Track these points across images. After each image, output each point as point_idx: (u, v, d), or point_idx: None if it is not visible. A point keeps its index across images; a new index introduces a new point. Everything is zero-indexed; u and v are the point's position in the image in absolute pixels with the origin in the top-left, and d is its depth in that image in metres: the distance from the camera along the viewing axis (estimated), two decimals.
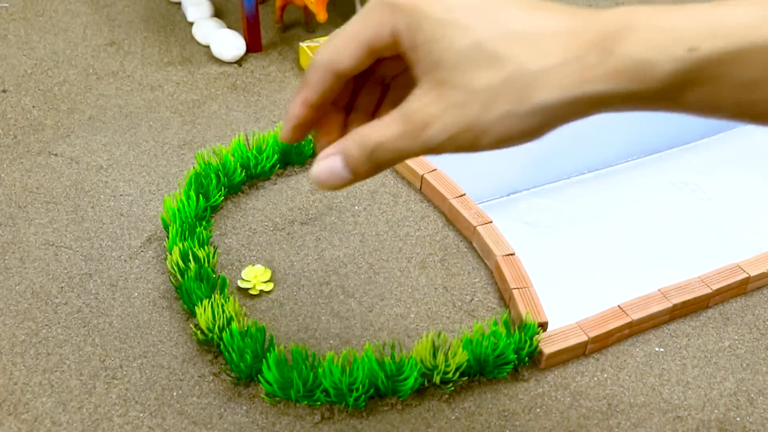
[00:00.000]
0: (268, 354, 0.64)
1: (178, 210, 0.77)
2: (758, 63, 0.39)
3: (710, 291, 0.73)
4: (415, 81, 0.44)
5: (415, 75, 0.44)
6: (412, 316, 0.72)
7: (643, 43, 0.40)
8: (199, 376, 0.66)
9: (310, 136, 0.51)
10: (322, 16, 1.01)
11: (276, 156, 0.86)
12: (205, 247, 0.74)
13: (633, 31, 0.40)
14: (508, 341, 0.65)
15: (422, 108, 0.43)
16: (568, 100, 0.42)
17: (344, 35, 0.45)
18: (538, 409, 0.65)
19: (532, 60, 0.41)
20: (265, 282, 0.74)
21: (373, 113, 0.50)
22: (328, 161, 0.45)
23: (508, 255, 0.75)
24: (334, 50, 0.45)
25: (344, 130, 0.49)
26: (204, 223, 0.78)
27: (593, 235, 0.87)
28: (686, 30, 0.40)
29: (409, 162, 0.86)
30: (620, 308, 0.71)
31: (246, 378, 0.65)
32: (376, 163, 0.45)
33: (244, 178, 0.84)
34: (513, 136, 0.43)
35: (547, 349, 0.67)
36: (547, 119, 0.43)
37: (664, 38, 0.40)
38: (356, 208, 0.84)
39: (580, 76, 0.41)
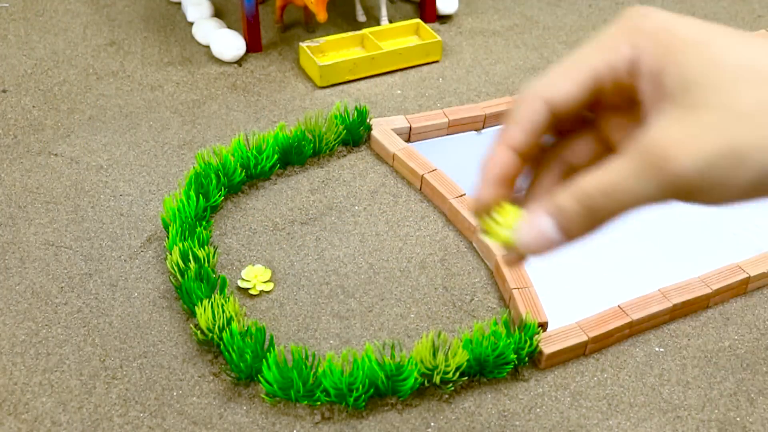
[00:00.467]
0: (268, 354, 0.64)
1: (178, 210, 0.77)
2: None
3: (710, 291, 0.73)
4: (642, 120, 0.37)
5: (649, 109, 0.37)
6: (412, 316, 0.72)
7: None
8: (199, 376, 0.66)
9: None
10: (322, 16, 1.01)
11: (276, 156, 0.86)
12: (205, 247, 0.74)
13: None
14: (508, 341, 0.65)
15: (667, 135, 0.34)
16: None
17: (569, 61, 0.38)
18: (538, 409, 0.65)
19: None
20: (265, 282, 0.74)
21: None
22: (537, 221, 0.37)
23: None
24: (551, 77, 0.38)
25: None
26: (204, 223, 0.78)
27: (593, 234, 0.87)
28: None
29: (409, 162, 0.86)
30: (620, 308, 0.71)
31: (246, 378, 0.65)
32: (598, 216, 0.36)
33: (244, 178, 0.84)
34: None
35: (547, 349, 0.67)
36: None
37: None
38: (356, 208, 0.84)
39: None
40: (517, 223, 0.38)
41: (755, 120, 0.34)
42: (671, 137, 0.34)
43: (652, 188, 0.35)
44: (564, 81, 0.38)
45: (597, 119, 0.40)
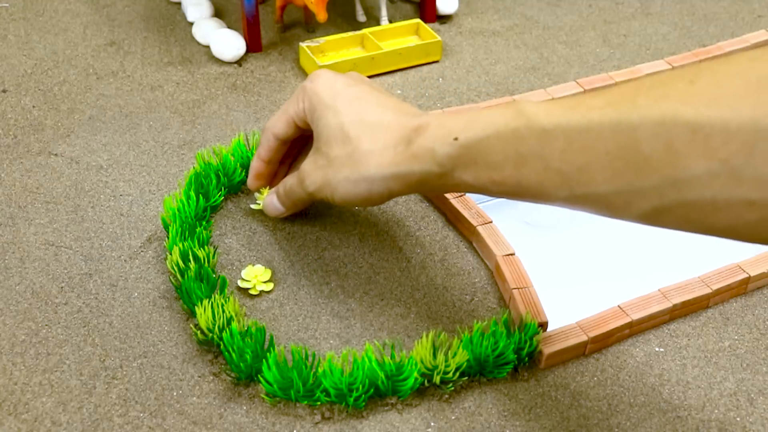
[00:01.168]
0: (268, 354, 0.64)
1: (178, 210, 0.77)
2: (497, 149, 0.51)
3: (710, 291, 0.73)
4: None
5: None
6: (412, 316, 0.72)
7: (431, 137, 0.56)
8: (199, 376, 0.66)
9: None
10: (322, 16, 1.01)
11: None
12: (205, 247, 0.74)
13: (427, 128, 0.57)
14: (508, 341, 0.65)
15: (305, 166, 0.66)
16: (383, 175, 0.59)
17: (281, 111, 0.69)
18: (538, 409, 0.65)
19: (366, 143, 0.59)
20: (265, 282, 0.74)
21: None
22: (270, 196, 0.75)
23: (508, 255, 0.75)
24: (274, 120, 0.70)
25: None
26: (204, 223, 0.78)
27: (593, 235, 0.87)
28: (455, 126, 0.55)
29: None
30: (620, 308, 0.71)
31: (246, 378, 0.65)
32: (287, 197, 0.72)
33: (244, 178, 0.84)
34: (351, 197, 0.62)
35: (547, 349, 0.67)
36: (371, 187, 0.60)
37: (442, 132, 0.55)
38: (356, 208, 0.84)
39: (392, 158, 0.58)
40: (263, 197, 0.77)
41: (337, 165, 0.62)
42: (305, 168, 0.66)
43: (303, 193, 0.68)
44: (279, 123, 0.69)
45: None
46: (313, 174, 0.64)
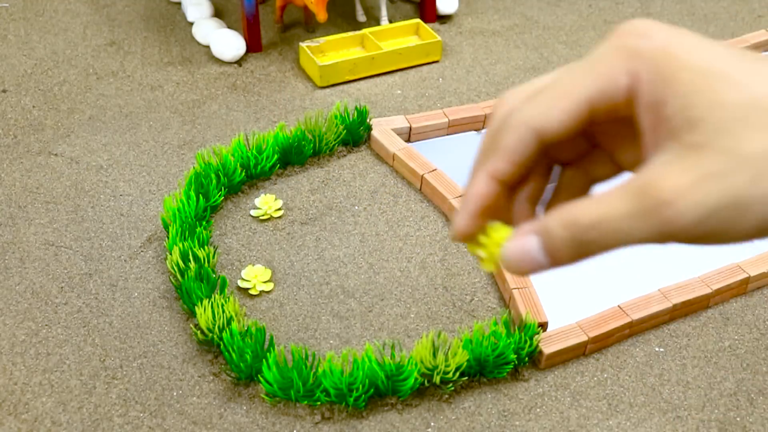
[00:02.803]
0: (268, 354, 0.64)
1: (178, 210, 0.77)
2: None
3: (710, 291, 0.73)
4: (642, 150, 0.35)
5: (649, 142, 0.34)
6: (412, 316, 0.72)
7: None
8: (199, 376, 0.66)
9: None
10: (322, 16, 1.01)
11: (276, 156, 0.86)
12: (205, 247, 0.74)
13: None
14: (508, 341, 0.65)
15: (666, 178, 0.32)
16: None
17: (558, 87, 0.35)
18: (538, 409, 0.65)
19: None
20: (265, 282, 0.74)
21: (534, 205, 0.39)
22: (525, 242, 0.35)
23: None
24: (542, 105, 0.35)
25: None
26: (204, 223, 0.78)
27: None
28: None
29: (409, 162, 0.86)
30: (620, 308, 0.71)
31: (246, 378, 0.65)
32: (585, 248, 0.34)
33: (244, 178, 0.84)
34: None
35: (547, 349, 0.67)
36: None
37: None
38: (356, 208, 0.84)
39: None
40: (504, 241, 0.36)
41: (759, 168, 0.32)
42: (671, 182, 0.32)
43: (645, 232, 0.33)
44: (555, 110, 0.35)
45: (597, 137, 0.38)
46: (698, 188, 0.33)
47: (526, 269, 0.36)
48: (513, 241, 0.35)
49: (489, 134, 0.35)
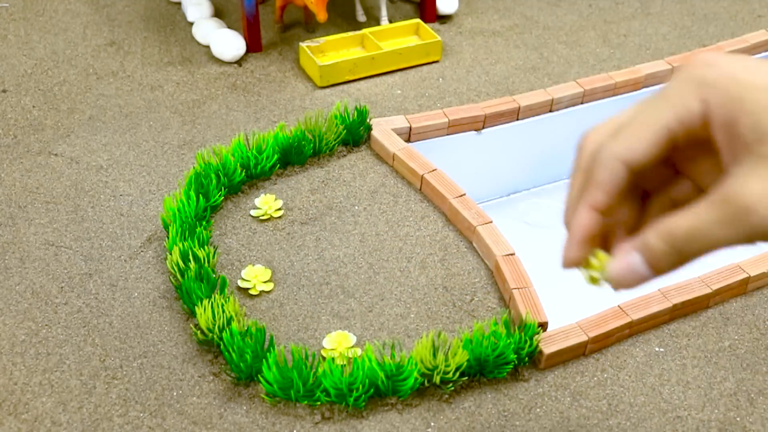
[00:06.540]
0: (268, 354, 0.64)
1: (178, 210, 0.77)
2: None
3: (710, 291, 0.73)
4: (720, 168, 0.39)
5: (727, 158, 0.38)
6: (412, 316, 0.72)
7: None
8: (199, 376, 0.66)
9: None
10: (322, 16, 1.01)
11: (276, 156, 0.86)
12: (205, 247, 0.74)
13: None
14: (508, 341, 0.65)
15: (748, 187, 0.37)
16: None
17: (639, 120, 0.40)
18: (538, 409, 0.65)
19: None
20: (265, 282, 0.74)
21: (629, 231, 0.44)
22: (629, 260, 0.40)
23: (508, 255, 0.75)
24: (629, 139, 0.39)
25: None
26: (204, 223, 0.78)
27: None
28: None
29: (409, 162, 0.86)
30: (620, 308, 0.71)
31: (246, 378, 0.65)
32: (683, 256, 0.39)
33: (244, 178, 0.84)
34: None
35: (547, 349, 0.67)
36: None
37: None
38: (356, 208, 0.84)
39: None
40: (608, 263, 0.41)
41: None
42: (751, 190, 0.36)
43: (735, 236, 0.37)
44: (639, 141, 0.39)
45: (677, 164, 0.42)
46: None
47: (633, 283, 0.40)
48: (617, 260, 0.40)
49: (580, 170, 0.41)
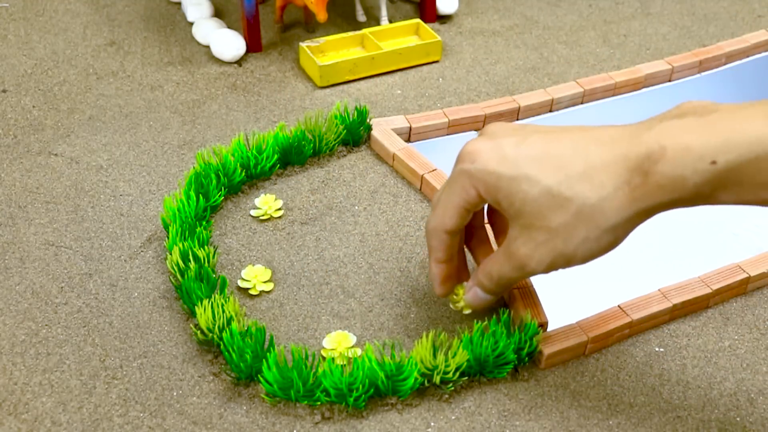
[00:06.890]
0: (268, 354, 0.64)
1: (178, 210, 0.77)
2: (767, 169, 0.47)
3: (710, 291, 0.73)
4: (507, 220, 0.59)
5: (507, 216, 0.57)
6: (412, 316, 0.72)
7: (674, 163, 0.49)
8: (199, 376, 0.66)
9: None
10: (322, 16, 1.01)
11: (276, 156, 0.86)
12: (205, 247, 0.74)
13: (664, 153, 0.50)
14: (508, 341, 0.65)
15: (518, 249, 0.57)
16: (627, 217, 0.53)
17: (442, 204, 0.60)
18: (538, 409, 0.65)
19: (591, 194, 0.52)
20: (265, 282, 0.74)
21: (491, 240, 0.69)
22: (473, 292, 0.65)
23: None
24: (440, 217, 0.60)
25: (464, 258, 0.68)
26: (204, 223, 0.78)
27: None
28: (707, 146, 0.48)
29: (409, 162, 0.86)
30: (620, 308, 0.71)
31: (246, 378, 0.65)
32: (502, 286, 0.62)
33: (244, 178, 0.84)
34: (594, 253, 0.55)
35: (547, 349, 0.67)
36: (616, 234, 0.54)
37: (689, 157, 0.49)
38: (356, 208, 0.84)
39: (630, 197, 0.51)
40: (462, 294, 0.66)
41: (565, 234, 0.54)
42: (521, 251, 0.57)
43: (525, 275, 0.59)
44: (445, 217, 0.60)
45: (489, 218, 0.68)
46: (536, 253, 0.55)
47: (481, 305, 0.66)
48: (467, 293, 0.65)
49: (429, 243, 0.63)
